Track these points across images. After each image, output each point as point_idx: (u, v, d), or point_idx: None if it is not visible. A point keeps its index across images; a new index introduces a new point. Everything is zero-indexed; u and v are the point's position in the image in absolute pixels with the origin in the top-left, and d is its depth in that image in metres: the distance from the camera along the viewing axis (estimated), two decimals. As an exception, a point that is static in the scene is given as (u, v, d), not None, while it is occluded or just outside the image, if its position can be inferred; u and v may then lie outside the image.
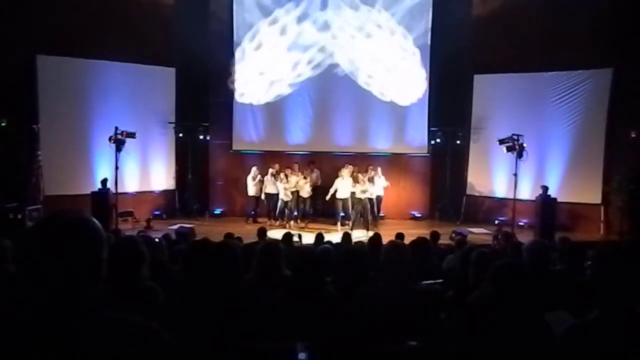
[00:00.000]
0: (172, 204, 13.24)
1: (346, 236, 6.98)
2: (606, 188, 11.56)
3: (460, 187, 13.12)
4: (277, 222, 11.80)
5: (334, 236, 9.11)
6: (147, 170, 12.82)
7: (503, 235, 7.57)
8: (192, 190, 13.24)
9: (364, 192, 11.18)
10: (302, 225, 11.70)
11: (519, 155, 10.33)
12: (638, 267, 1.86)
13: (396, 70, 12.93)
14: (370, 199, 11.44)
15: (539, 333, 2.18)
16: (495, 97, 12.52)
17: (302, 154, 13.18)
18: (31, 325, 1.19)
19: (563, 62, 11.64)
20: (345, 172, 11.46)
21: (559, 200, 10.90)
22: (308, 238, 8.67)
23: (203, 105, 13.12)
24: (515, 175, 10.40)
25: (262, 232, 7.46)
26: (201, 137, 13.05)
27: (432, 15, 12.85)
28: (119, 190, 10.52)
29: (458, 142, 12.95)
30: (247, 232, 9.25)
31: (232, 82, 12.98)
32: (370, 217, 11.39)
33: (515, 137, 10.39)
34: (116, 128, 10.33)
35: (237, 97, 13.13)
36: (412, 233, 7.54)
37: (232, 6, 13.01)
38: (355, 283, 3.20)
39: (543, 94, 12.04)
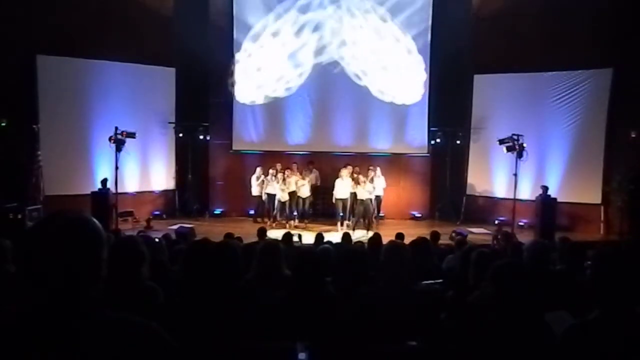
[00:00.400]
0: (172, 204, 13.24)
1: (346, 236, 6.98)
2: (606, 188, 11.56)
3: (460, 187, 13.12)
4: (275, 223, 11.79)
5: (334, 236, 9.11)
6: (147, 170, 12.82)
7: (503, 235, 7.57)
8: (192, 190, 13.24)
9: (369, 192, 11.20)
10: (302, 225, 11.69)
11: (519, 155, 10.33)
12: (638, 267, 1.86)
13: (396, 70, 12.93)
14: (371, 199, 11.46)
15: (539, 333, 2.18)
16: (495, 97, 12.52)
17: (302, 154, 13.18)
18: (31, 325, 1.19)
19: (563, 62, 11.64)
20: (345, 173, 11.48)
21: (559, 200, 10.91)
22: (308, 238, 8.67)
23: (203, 105, 13.12)
24: (515, 175, 10.40)
25: (262, 232, 7.47)
26: (201, 137, 13.05)
27: (432, 15, 12.85)
28: (119, 190, 10.52)
29: (458, 142, 12.95)
30: (247, 232, 9.25)
31: (232, 82, 12.98)
32: (372, 218, 11.41)
33: (515, 137, 10.39)
34: (116, 128, 10.33)
35: (237, 97, 13.13)
36: (412, 233, 7.54)
37: (232, 6, 13.01)
38: (355, 283, 3.19)
39: (543, 94, 12.04)
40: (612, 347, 1.77)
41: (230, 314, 2.51)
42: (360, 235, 10.18)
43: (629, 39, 10.68)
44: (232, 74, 12.94)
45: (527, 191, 11.60)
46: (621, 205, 11.02)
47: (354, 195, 11.33)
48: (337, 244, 6.21)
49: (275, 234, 9.38)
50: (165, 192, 13.24)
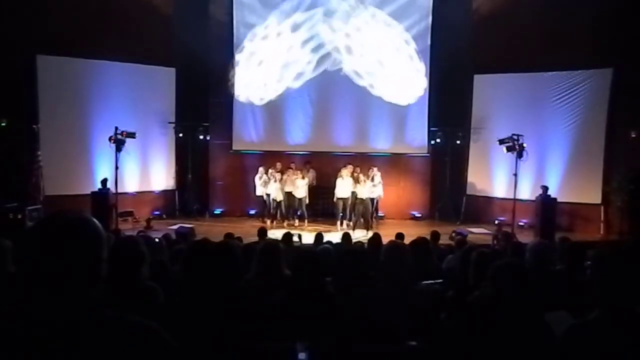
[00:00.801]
0: (172, 204, 13.24)
1: (346, 236, 6.98)
2: (606, 188, 11.56)
3: (460, 187, 13.12)
4: (275, 223, 11.78)
5: (334, 236, 9.11)
6: (147, 170, 12.82)
7: (503, 235, 7.57)
8: (192, 190, 13.24)
9: (370, 192, 11.20)
10: (299, 225, 11.66)
11: (519, 155, 10.33)
12: (638, 267, 1.86)
13: (396, 70, 12.93)
14: (372, 199, 11.47)
15: (539, 333, 2.18)
16: (495, 97, 12.52)
17: (302, 154, 13.19)
18: (31, 325, 1.19)
19: (563, 62, 11.65)
20: (345, 172, 11.48)
21: (559, 200, 10.90)
22: (308, 238, 8.67)
23: (203, 105, 13.13)
24: (515, 175, 10.40)
25: (262, 232, 7.47)
26: (201, 137, 13.06)
27: (432, 15, 12.85)
28: (119, 190, 10.53)
29: (458, 142, 12.95)
30: (247, 232, 9.25)
31: (232, 82, 12.98)
32: (371, 217, 11.42)
33: (515, 137, 10.39)
34: (116, 128, 10.33)
35: (237, 97, 13.13)
36: (412, 233, 7.53)
37: (232, 6, 13.02)
38: (355, 283, 3.19)
39: (543, 94, 12.05)
40: (612, 347, 1.77)
41: (230, 314, 2.51)
42: (360, 235, 10.18)
43: (629, 39, 10.67)
44: (232, 74, 12.93)
45: (527, 191, 11.60)
46: (621, 205, 11.02)
47: (354, 194, 11.34)
48: (337, 244, 6.21)
49: (276, 234, 9.37)
50: (165, 192, 13.24)
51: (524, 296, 2.21)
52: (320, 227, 11.05)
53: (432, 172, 13.41)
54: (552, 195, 10.81)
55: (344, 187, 11.42)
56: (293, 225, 11.63)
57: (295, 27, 12.90)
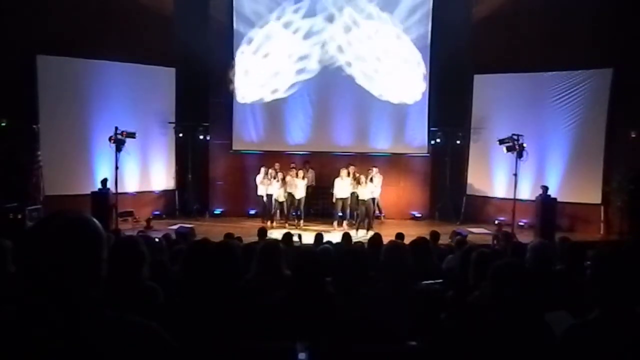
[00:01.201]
0: (172, 204, 13.24)
1: (346, 236, 6.98)
2: (606, 188, 11.56)
3: (460, 187, 13.12)
4: (274, 223, 11.78)
5: (333, 236, 9.11)
6: (147, 170, 12.82)
7: (503, 235, 7.58)
8: (192, 190, 13.24)
9: (371, 192, 11.23)
10: (298, 224, 11.65)
11: (519, 155, 10.33)
12: (638, 267, 1.86)
13: (396, 70, 12.93)
14: (372, 199, 11.47)
15: (539, 333, 2.18)
16: (495, 97, 12.52)
17: (302, 154, 13.19)
18: (31, 325, 1.19)
19: (563, 62, 11.65)
20: (344, 172, 11.49)
21: (559, 200, 10.90)
22: (308, 238, 8.67)
23: (203, 105, 13.13)
24: (515, 175, 10.40)
25: (262, 232, 7.47)
26: (201, 137, 13.06)
27: (432, 15, 12.85)
28: (119, 190, 10.53)
29: (458, 142, 12.95)
30: (247, 232, 9.25)
31: (232, 82, 12.98)
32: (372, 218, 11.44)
33: (515, 137, 10.40)
34: (116, 128, 10.34)
35: (237, 97, 13.13)
36: (412, 233, 7.54)
37: (232, 6, 13.02)
38: (355, 283, 3.19)
39: (543, 94, 12.04)
40: (612, 347, 1.77)
41: (230, 314, 2.51)
42: (360, 235, 10.19)
43: (629, 39, 10.68)
44: (232, 74, 12.93)
45: (527, 191, 11.60)
46: (621, 205, 11.02)
47: (355, 195, 11.34)
48: (337, 244, 6.21)
49: (276, 234, 9.37)
50: (165, 192, 13.24)
51: (524, 296, 2.21)
52: (318, 227, 11.05)
53: (432, 172, 13.41)
54: (552, 195, 10.81)
55: (342, 187, 11.42)
56: (294, 225, 11.61)
57: (296, 28, 12.90)
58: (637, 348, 1.75)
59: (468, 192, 13.04)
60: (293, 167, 12.16)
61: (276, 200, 11.74)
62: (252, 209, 12.94)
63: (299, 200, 11.75)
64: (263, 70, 13.03)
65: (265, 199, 11.93)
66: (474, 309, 2.79)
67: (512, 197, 10.56)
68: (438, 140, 12.94)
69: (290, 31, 12.91)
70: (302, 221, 11.83)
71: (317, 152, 13.20)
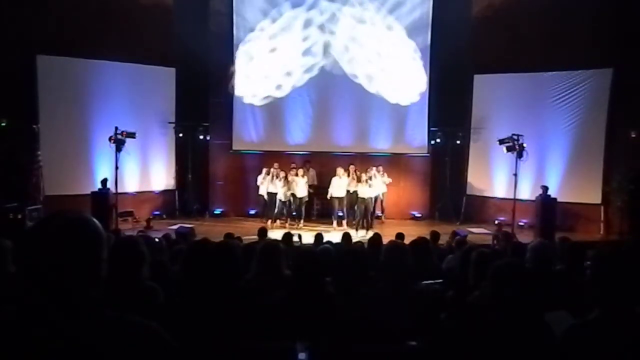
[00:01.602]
0: (172, 204, 13.24)
1: (346, 236, 6.98)
2: (606, 188, 11.55)
3: (460, 187, 13.12)
4: (274, 223, 11.77)
5: (333, 236, 9.11)
6: (147, 170, 12.82)
7: (503, 235, 7.56)
8: (192, 190, 13.24)
9: (372, 191, 11.24)
10: (296, 225, 11.63)
11: (519, 155, 10.33)
12: (638, 267, 1.86)
13: (396, 70, 12.93)
14: (374, 198, 11.48)
15: (539, 333, 2.18)
16: (495, 97, 12.52)
17: (302, 154, 13.19)
18: (31, 325, 1.19)
19: (563, 62, 11.64)
20: (340, 171, 11.50)
21: (559, 200, 10.90)
22: (308, 238, 8.67)
23: (203, 105, 13.12)
24: (515, 175, 10.40)
25: (262, 232, 7.47)
26: (201, 137, 13.05)
27: (432, 15, 12.85)
28: (119, 190, 10.53)
29: (458, 142, 12.95)
30: (247, 232, 9.25)
31: (232, 82, 12.98)
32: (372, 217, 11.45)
33: (515, 137, 10.40)
34: (116, 128, 10.33)
35: (237, 97, 13.13)
36: (412, 233, 7.54)
37: (232, 6, 13.01)
38: (355, 283, 3.19)
39: (543, 94, 12.04)
40: (612, 347, 1.77)
41: (230, 314, 2.51)
42: (360, 235, 10.19)
43: (629, 39, 10.67)
44: (232, 73, 12.93)
45: (527, 191, 11.60)
46: (621, 205, 11.02)
47: (355, 193, 11.34)
48: (337, 244, 6.21)
49: (276, 234, 9.37)
50: (165, 192, 13.24)
51: (524, 296, 2.21)
52: (318, 227, 11.05)
53: (432, 172, 13.41)
54: (552, 195, 10.80)
55: (339, 186, 11.43)
56: (294, 225, 11.61)
57: (296, 27, 12.90)
58: (637, 348, 1.75)
59: (468, 192, 13.04)
60: (293, 167, 12.16)
61: (280, 200, 11.73)
62: (252, 209, 12.94)
63: (301, 199, 11.76)
64: (263, 69, 13.02)
65: (266, 197, 11.92)
66: (474, 309, 2.79)
67: (512, 197, 10.56)
68: (438, 140, 12.93)
69: (290, 30, 12.91)
70: (302, 221, 11.82)
71: (317, 152, 13.19)
